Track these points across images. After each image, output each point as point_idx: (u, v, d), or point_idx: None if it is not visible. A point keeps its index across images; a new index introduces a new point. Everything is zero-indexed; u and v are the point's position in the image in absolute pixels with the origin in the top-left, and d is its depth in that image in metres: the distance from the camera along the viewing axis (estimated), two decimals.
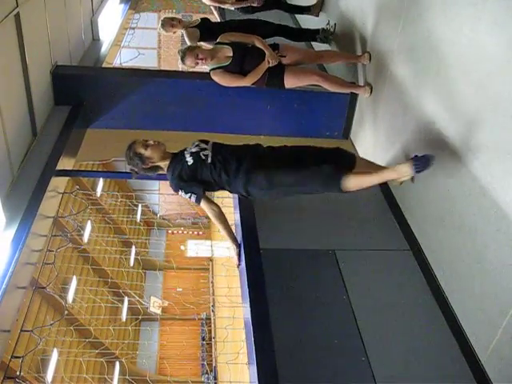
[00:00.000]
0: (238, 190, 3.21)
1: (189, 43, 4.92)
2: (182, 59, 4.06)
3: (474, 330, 2.89)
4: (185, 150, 3.27)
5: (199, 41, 5.03)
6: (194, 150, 3.22)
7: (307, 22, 6.53)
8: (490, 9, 2.74)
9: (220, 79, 4.19)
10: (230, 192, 3.36)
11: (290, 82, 4.29)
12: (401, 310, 3.19)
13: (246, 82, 4.19)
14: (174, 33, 5.01)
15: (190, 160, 3.16)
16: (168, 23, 4.93)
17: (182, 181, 3.18)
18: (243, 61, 4.13)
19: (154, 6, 10.97)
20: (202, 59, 4.02)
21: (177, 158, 3.24)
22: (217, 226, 3.40)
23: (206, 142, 3.29)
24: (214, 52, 4.14)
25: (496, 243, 2.69)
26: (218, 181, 3.17)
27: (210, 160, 3.15)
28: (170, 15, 10.43)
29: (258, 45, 4.15)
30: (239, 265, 3.48)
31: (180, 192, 3.19)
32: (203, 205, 3.22)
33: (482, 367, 2.78)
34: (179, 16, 11.05)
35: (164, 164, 3.25)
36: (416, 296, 3.29)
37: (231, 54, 4.11)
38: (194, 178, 3.17)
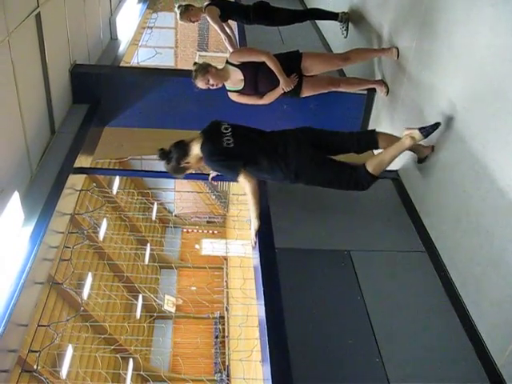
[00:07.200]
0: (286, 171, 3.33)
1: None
2: (195, 79, 3.95)
3: (491, 333, 2.86)
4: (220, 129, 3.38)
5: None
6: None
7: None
8: (510, 10, 2.71)
9: (238, 99, 4.26)
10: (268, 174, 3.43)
11: (307, 92, 4.40)
12: (415, 311, 3.17)
13: (263, 102, 4.27)
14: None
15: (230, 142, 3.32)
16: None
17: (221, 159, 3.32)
18: (256, 83, 4.14)
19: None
20: (212, 85, 3.97)
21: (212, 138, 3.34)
22: (249, 200, 3.45)
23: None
24: (226, 74, 4.06)
25: None
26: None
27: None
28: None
29: (270, 65, 4.05)
30: (255, 243, 3.53)
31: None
32: (241, 179, 3.31)
33: (497, 371, 2.74)
34: None
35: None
36: (431, 298, 3.26)
37: (242, 78, 4.10)
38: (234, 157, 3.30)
